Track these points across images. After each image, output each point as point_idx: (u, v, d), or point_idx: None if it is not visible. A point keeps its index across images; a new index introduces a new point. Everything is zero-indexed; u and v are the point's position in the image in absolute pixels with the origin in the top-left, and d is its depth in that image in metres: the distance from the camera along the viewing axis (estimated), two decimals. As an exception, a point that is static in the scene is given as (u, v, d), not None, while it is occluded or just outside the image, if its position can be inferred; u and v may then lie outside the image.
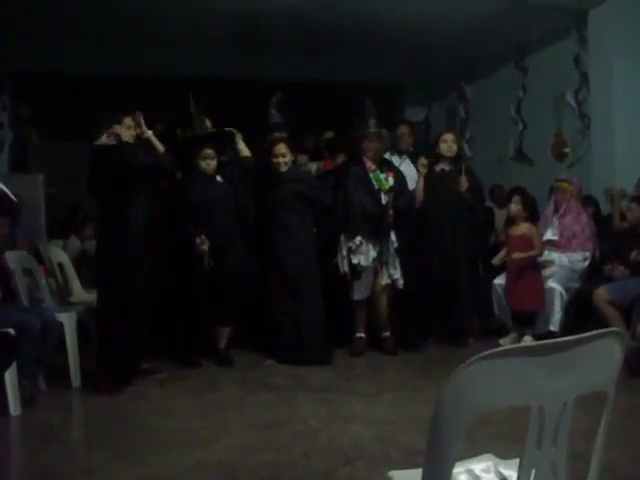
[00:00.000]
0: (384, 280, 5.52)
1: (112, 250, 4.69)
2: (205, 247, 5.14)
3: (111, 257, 4.69)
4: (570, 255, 5.78)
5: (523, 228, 5.68)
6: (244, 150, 5.53)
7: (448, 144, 5.91)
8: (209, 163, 5.34)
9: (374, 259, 5.47)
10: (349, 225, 5.50)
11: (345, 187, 5.55)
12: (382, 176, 5.51)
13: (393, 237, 5.54)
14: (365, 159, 5.64)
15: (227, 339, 5.39)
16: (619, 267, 5.26)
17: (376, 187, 5.50)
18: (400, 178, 5.69)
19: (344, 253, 5.51)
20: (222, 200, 5.32)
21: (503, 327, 5.94)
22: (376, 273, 5.53)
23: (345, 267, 5.51)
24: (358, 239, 5.44)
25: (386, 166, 5.68)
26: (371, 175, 5.54)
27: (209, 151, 5.35)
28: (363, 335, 5.67)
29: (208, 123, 5.63)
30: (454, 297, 5.81)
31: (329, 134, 7.22)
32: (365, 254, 5.45)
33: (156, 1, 6.97)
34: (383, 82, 9.46)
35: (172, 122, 6.19)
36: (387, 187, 5.49)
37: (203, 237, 5.14)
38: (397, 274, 5.58)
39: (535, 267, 5.66)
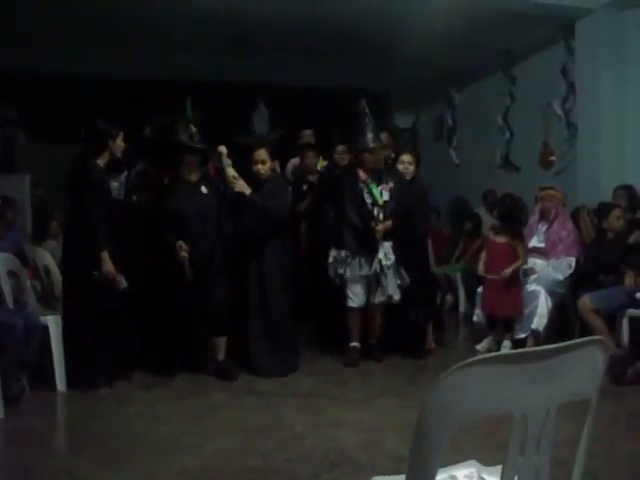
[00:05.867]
0: (377, 298, 5.36)
1: (78, 256, 4.68)
2: (184, 254, 4.88)
3: (76, 264, 4.69)
4: (554, 262, 5.82)
5: (506, 237, 5.73)
6: (230, 177, 5.19)
7: (404, 165, 5.70)
8: (191, 170, 5.07)
9: (362, 275, 5.31)
10: (339, 238, 5.38)
11: (339, 202, 5.41)
12: (376, 190, 5.33)
13: (384, 253, 5.30)
14: (359, 171, 5.40)
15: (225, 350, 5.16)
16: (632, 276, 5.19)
17: (369, 201, 5.33)
18: (400, 191, 5.43)
19: (330, 260, 5.41)
20: (204, 211, 5.03)
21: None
22: (369, 286, 5.37)
23: (332, 273, 5.42)
24: (344, 252, 5.34)
25: (386, 176, 5.42)
26: (365, 189, 5.35)
27: (192, 158, 5.07)
28: (357, 345, 5.47)
29: (193, 129, 5.38)
30: (411, 310, 5.60)
31: (308, 132, 7.27)
32: (351, 267, 5.33)
33: (142, 3, 6.95)
34: (370, 89, 9.49)
35: (161, 125, 6.15)
36: (381, 202, 5.32)
37: (181, 243, 4.87)
38: (390, 289, 5.34)
39: (515, 274, 5.69)
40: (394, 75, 9.66)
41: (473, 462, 1.84)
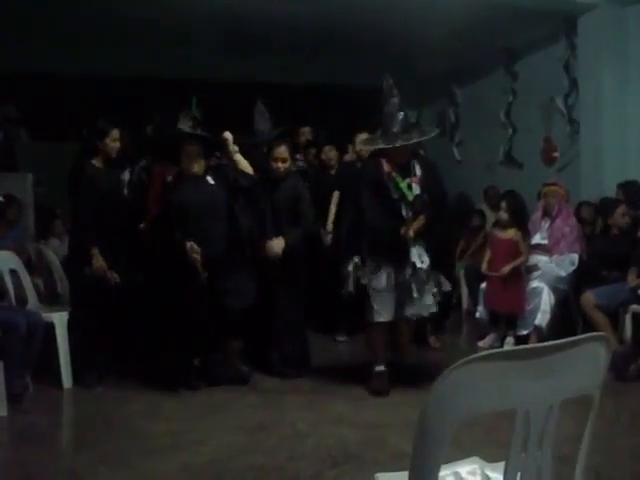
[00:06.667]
0: (410, 311, 4.54)
1: (77, 254, 4.81)
2: (196, 255, 4.47)
3: (77, 262, 4.81)
4: (557, 259, 5.81)
5: (510, 232, 5.72)
6: (242, 163, 4.84)
7: None
8: (193, 162, 4.63)
9: (390, 284, 4.45)
10: (359, 244, 4.52)
11: (357, 197, 4.56)
12: (405, 183, 4.44)
13: (417, 255, 4.47)
14: (383, 161, 4.52)
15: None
16: None
17: (396, 197, 4.44)
18: (428, 180, 4.60)
19: (350, 269, 4.51)
20: (212, 205, 4.63)
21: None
22: (401, 295, 4.51)
23: (351, 285, 4.51)
24: (358, 258, 4.49)
25: (413, 165, 4.56)
26: (391, 184, 4.45)
27: (192, 148, 4.64)
28: (384, 368, 4.62)
29: (195, 120, 4.98)
30: None
31: (306, 129, 7.28)
32: (377, 276, 4.44)
33: (141, 2, 6.95)
34: (372, 85, 9.48)
35: (162, 123, 6.15)
36: (411, 197, 4.43)
37: (192, 244, 4.46)
38: (427, 299, 4.54)
39: (518, 270, 5.69)
40: (395, 72, 9.62)
41: (476, 459, 1.84)
